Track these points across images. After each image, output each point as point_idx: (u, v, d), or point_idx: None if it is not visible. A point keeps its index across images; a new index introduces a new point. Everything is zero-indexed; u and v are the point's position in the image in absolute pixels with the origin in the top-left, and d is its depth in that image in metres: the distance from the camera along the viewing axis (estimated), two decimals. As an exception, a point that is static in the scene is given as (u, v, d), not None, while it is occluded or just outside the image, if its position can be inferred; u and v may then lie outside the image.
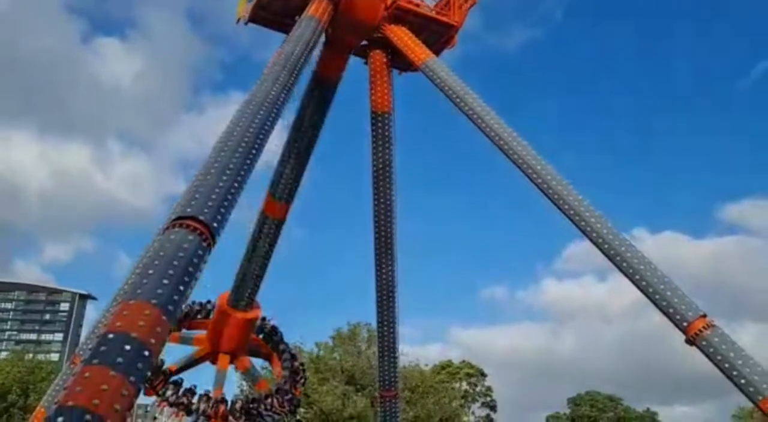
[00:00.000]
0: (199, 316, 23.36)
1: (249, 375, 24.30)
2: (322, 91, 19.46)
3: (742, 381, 12.50)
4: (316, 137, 20.06)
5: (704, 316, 13.20)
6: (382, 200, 20.78)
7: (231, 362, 22.76)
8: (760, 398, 12.31)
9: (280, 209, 20.44)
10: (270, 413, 21.55)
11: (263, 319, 23.47)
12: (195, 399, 21.21)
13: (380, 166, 20.36)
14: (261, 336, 23.91)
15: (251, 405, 21.47)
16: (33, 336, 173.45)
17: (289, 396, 22.32)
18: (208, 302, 23.31)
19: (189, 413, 20.97)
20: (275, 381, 23.78)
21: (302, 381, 23.58)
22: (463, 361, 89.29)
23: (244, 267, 21.05)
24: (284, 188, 20.18)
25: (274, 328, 23.90)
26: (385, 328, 22.37)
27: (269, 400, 21.75)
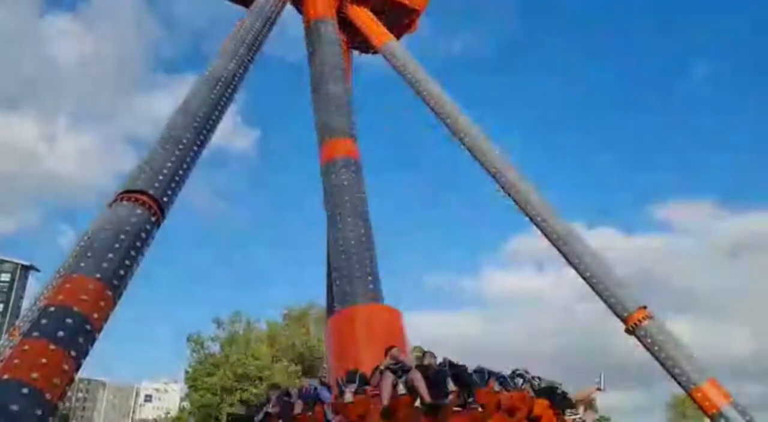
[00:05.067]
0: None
1: None
2: (324, 31, 17.43)
3: (676, 371, 13.04)
4: (342, 63, 17.06)
5: (644, 308, 13.67)
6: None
7: None
8: (692, 386, 12.88)
9: (350, 147, 14.95)
10: None
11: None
12: None
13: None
14: None
15: None
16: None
17: None
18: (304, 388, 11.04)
19: None
20: None
21: None
22: (416, 347, 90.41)
23: (338, 246, 13.86)
24: (339, 119, 15.27)
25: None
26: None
27: None
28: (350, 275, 12.91)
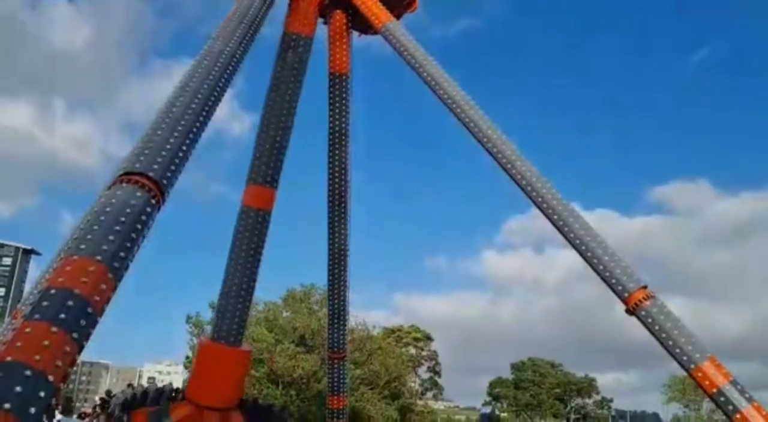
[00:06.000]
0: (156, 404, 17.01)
1: None
2: (296, 50, 18.29)
3: (677, 351, 13.04)
4: (294, 106, 18.30)
5: (645, 287, 13.64)
6: (336, 163, 20.66)
7: None
8: (692, 366, 12.88)
9: (267, 197, 17.40)
10: None
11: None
12: None
13: (336, 128, 20.19)
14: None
15: None
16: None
17: None
18: (168, 386, 17.85)
19: None
20: None
21: None
22: (412, 325, 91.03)
23: (229, 283, 16.81)
24: (267, 169, 17.43)
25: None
26: (336, 291, 22.47)
27: None
28: (223, 316, 16.49)
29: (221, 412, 15.91)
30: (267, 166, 17.28)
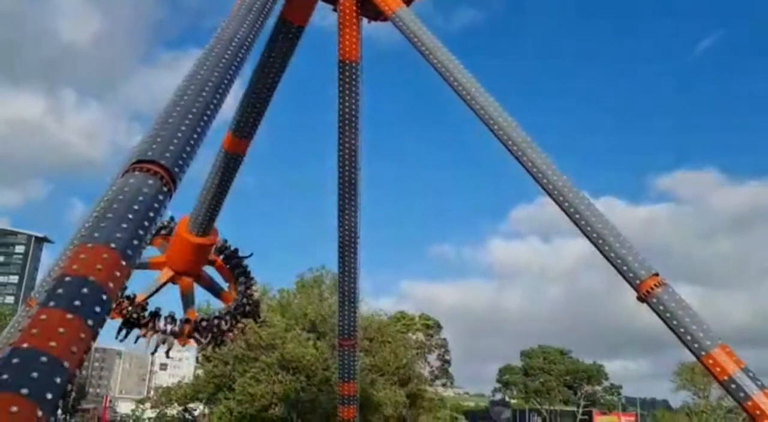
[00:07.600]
0: (163, 231, 23.82)
1: (185, 297, 23.93)
2: (287, 36, 18.97)
3: (689, 338, 13.01)
4: (278, 79, 19.89)
5: (656, 275, 13.60)
6: (346, 148, 20.69)
7: (173, 280, 23.09)
8: (703, 353, 12.85)
9: (240, 145, 20.96)
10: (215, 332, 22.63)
11: (225, 241, 24.07)
12: (161, 321, 22.24)
13: (346, 114, 20.17)
14: (221, 258, 24.13)
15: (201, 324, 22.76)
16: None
17: (228, 325, 22.67)
18: (172, 219, 23.72)
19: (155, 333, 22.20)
20: (224, 308, 24.02)
21: (247, 310, 23.57)
22: (422, 314, 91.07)
23: (203, 197, 21.47)
24: (244, 125, 20.54)
25: (234, 251, 24.24)
26: (346, 277, 22.54)
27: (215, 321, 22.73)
28: (197, 215, 21.32)
29: (176, 273, 22.73)
30: (246, 123, 20.63)
